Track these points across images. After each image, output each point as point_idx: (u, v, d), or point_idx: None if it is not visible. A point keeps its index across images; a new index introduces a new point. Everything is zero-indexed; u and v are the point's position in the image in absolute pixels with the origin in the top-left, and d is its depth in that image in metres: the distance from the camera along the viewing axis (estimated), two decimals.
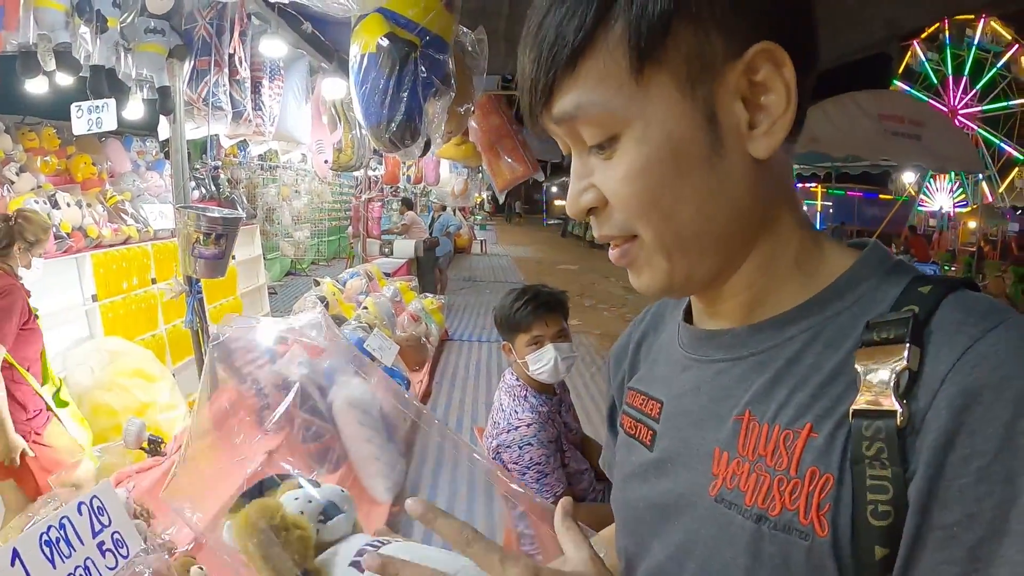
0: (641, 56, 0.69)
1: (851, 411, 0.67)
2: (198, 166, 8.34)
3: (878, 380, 0.65)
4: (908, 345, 0.64)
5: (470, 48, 4.37)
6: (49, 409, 3.95)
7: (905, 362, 0.64)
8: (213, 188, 8.42)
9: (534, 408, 2.82)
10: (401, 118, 3.33)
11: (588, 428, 3.27)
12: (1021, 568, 0.56)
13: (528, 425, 2.73)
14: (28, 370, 3.86)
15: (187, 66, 3.74)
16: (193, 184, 7.88)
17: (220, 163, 9.09)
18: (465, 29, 4.26)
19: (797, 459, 0.69)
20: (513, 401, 2.85)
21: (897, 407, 0.63)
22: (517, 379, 2.95)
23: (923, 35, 26.60)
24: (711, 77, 0.70)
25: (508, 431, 2.74)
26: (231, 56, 4.08)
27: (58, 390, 4.19)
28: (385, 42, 3.18)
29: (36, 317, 3.94)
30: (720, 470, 0.77)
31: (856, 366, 0.68)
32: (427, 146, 3.68)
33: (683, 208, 0.73)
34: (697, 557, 0.79)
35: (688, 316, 0.93)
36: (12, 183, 5.10)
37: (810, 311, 0.76)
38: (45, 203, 5.06)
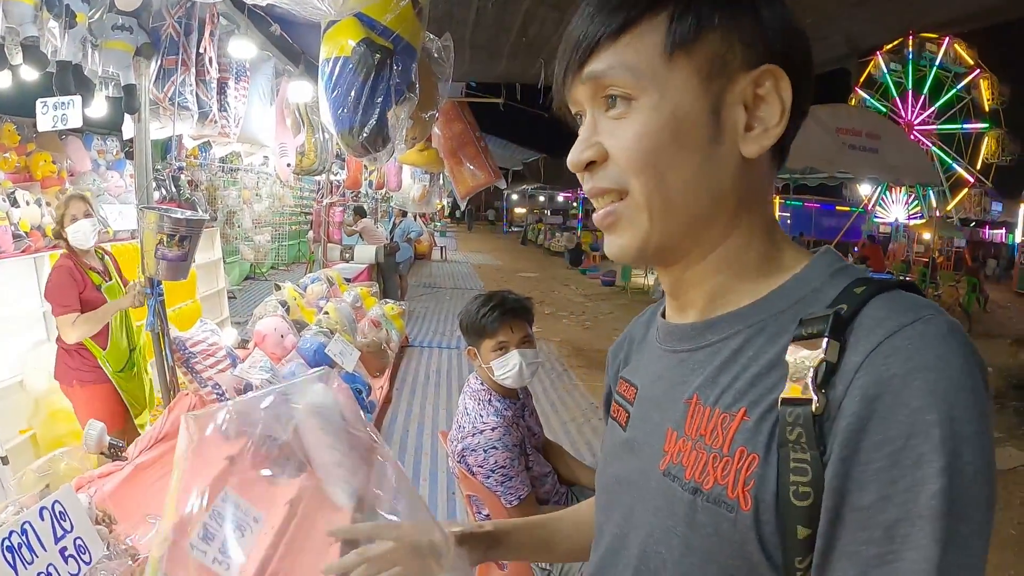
0: (675, 42, 0.80)
1: (780, 399, 0.75)
2: (159, 167, 8.23)
3: (802, 371, 0.73)
4: (827, 339, 0.72)
5: (436, 55, 4.37)
6: (103, 369, 4.27)
7: (823, 354, 0.72)
8: (174, 189, 8.33)
9: (499, 412, 2.82)
10: (374, 123, 3.34)
11: (549, 432, 3.29)
12: (930, 551, 0.63)
13: (493, 429, 2.74)
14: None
15: (154, 65, 3.70)
16: (154, 185, 7.78)
17: (184, 163, 8.94)
18: (431, 36, 4.26)
19: (730, 439, 0.79)
20: (478, 405, 2.86)
21: (813, 395, 0.71)
22: (482, 383, 2.95)
23: (887, 47, 27.00)
24: (725, 78, 0.81)
25: (473, 435, 2.75)
26: (199, 56, 4.04)
27: (133, 350, 4.49)
28: (362, 48, 3.18)
29: (98, 288, 4.23)
30: (670, 447, 0.87)
31: (787, 358, 0.76)
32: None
33: (675, 176, 0.82)
34: (647, 525, 0.89)
35: (665, 314, 1.03)
36: None
37: (759, 309, 0.85)
38: (4, 201, 4.97)
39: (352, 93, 3.27)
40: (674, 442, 0.86)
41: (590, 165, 0.88)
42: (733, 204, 0.85)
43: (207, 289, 8.89)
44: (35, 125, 5.34)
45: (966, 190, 27.25)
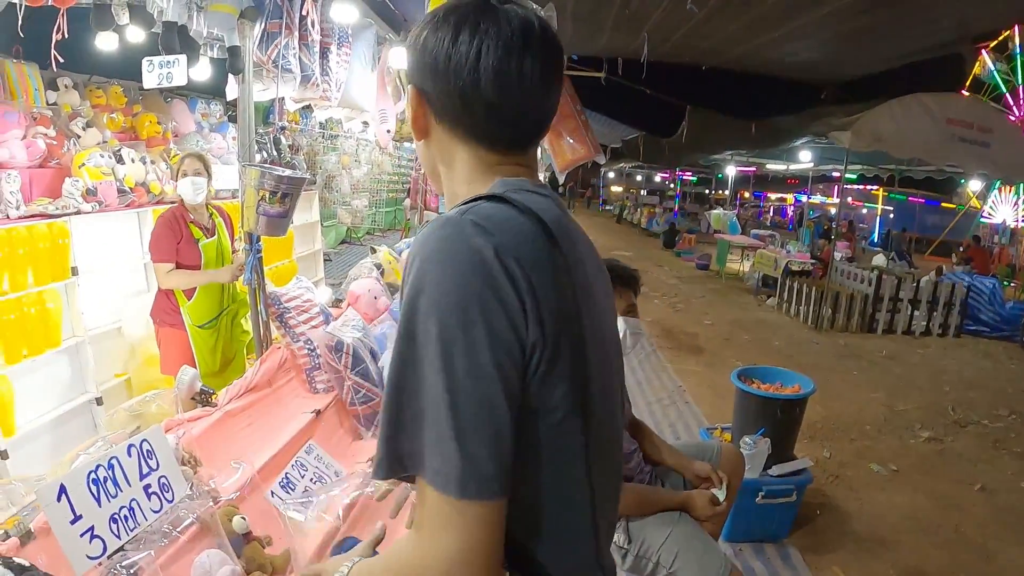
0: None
1: None
2: (260, 130, 8.37)
3: None
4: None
5: None
6: (183, 318, 4.51)
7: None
8: (275, 152, 8.45)
9: None
10: None
11: (635, 412, 3.26)
12: (389, 374, 1.09)
13: None
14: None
15: (257, 27, 3.75)
16: (255, 148, 7.93)
17: (287, 124, 9.03)
18: (534, 5, 4.20)
19: None
20: None
21: None
22: None
23: (991, 44, 25.73)
24: None
25: None
26: (303, 19, 4.08)
27: (222, 312, 4.67)
28: None
29: (196, 242, 4.46)
30: None
31: None
32: None
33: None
34: None
35: None
36: (79, 137, 5.16)
37: None
38: (110, 157, 5.11)
39: None
40: None
41: None
42: (432, 167, 1.34)
43: (304, 250, 9.12)
44: (141, 88, 5.54)
45: None
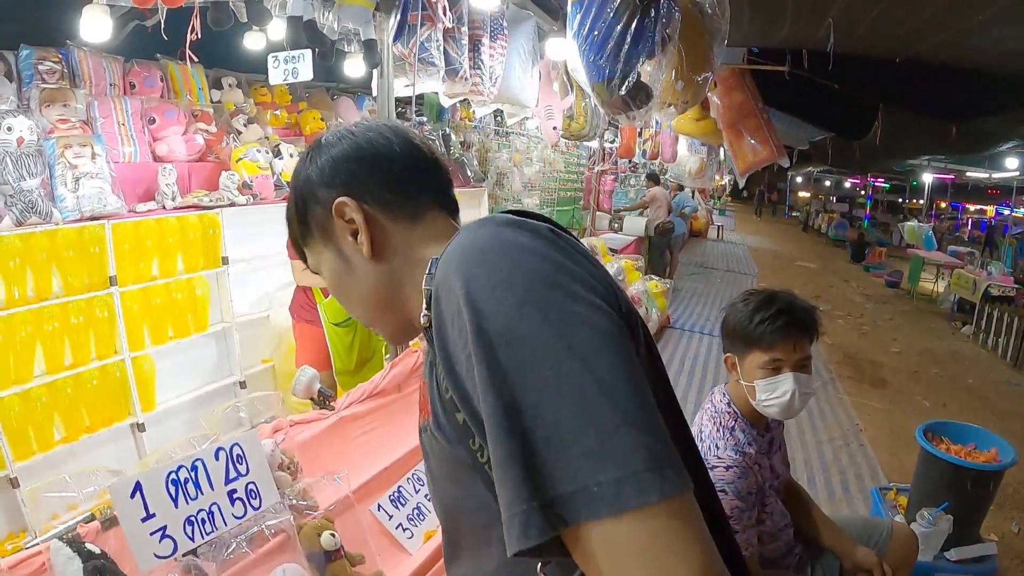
0: (304, 240, 1.22)
1: None
2: (428, 126, 8.39)
3: None
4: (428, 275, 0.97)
5: (709, 10, 3.90)
6: (319, 314, 4.59)
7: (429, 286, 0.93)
8: (443, 149, 8.46)
9: (740, 447, 2.31)
10: (636, 75, 3.04)
11: (800, 452, 2.73)
12: (490, 398, 0.75)
13: (728, 468, 2.22)
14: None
15: (392, 20, 3.67)
16: None
17: (424, 120, 8.95)
18: None
19: (423, 384, 1.04)
20: (717, 431, 2.36)
21: (423, 316, 0.93)
22: (728, 404, 2.42)
23: None
24: (329, 230, 1.15)
25: None
26: (446, 10, 3.98)
27: None
28: None
29: None
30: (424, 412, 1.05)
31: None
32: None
33: (352, 298, 1.20)
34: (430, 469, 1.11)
35: None
36: (239, 133, 5.33)
37: None
38: (268, 153, 5.26)
39: (612, 38, 2.98)
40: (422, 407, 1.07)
41: None
42: (383, 289, 1.15)
43: None
44: (307, 86, 5.63)
45: None
